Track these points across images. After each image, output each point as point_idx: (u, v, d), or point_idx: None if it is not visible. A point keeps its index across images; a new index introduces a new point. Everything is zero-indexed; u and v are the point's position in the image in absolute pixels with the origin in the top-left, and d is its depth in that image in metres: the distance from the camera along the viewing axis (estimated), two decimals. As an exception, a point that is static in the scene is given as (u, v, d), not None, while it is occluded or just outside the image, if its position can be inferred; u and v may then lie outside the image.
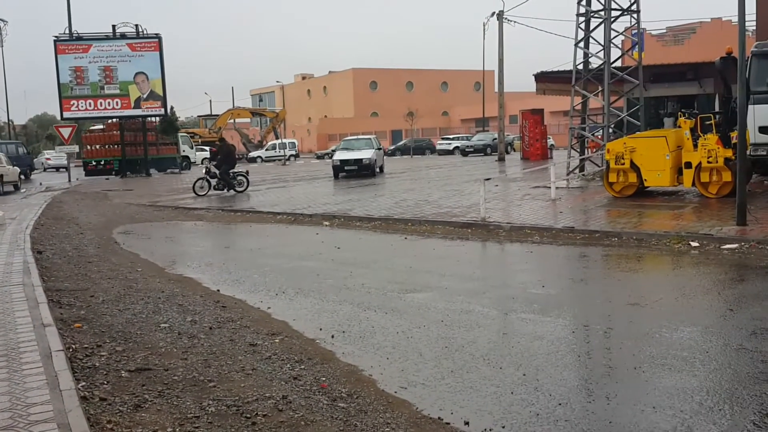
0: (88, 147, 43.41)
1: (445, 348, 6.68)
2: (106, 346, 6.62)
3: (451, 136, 67.75)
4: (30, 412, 4.60)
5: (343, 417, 4.99)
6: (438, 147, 62.40)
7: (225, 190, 25.84)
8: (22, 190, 30.99)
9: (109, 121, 43.76)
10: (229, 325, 7.67)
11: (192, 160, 50.24)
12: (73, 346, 6.43)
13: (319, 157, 68.12)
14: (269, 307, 8.62)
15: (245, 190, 26.03)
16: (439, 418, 5.03)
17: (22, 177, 34.55)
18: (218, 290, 9.74)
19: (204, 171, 26.61)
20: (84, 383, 5.40)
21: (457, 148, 59.09)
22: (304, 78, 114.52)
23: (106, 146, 42.79)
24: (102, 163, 42.47)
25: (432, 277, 10.22)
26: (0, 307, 7.79)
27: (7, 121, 65.65)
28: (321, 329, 7.46)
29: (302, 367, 6.17)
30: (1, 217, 16.91)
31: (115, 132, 42.78)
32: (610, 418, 4.93)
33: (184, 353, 6.53)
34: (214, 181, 25.93)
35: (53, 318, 7.24)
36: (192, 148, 52.08)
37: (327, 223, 16.93)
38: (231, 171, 26.19)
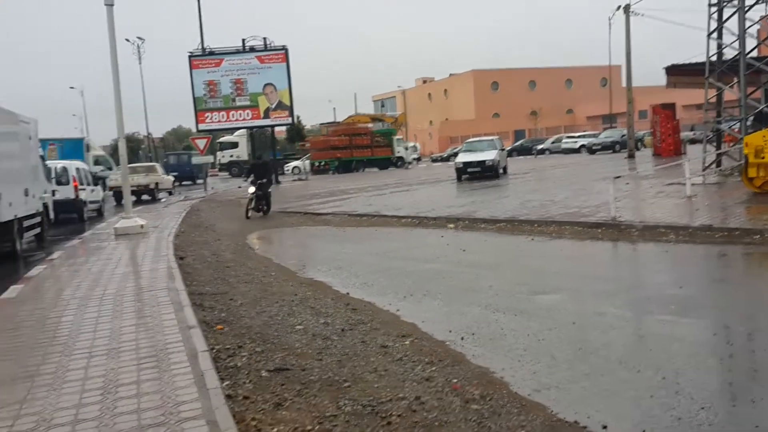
0: (312, 151, 53.84)
1: (578, 350, 6.53)
2: (246, 347, 6.92)
3: (576, 134, 66.02)
4: (180, 410, 4.89)
5: (477, 419, 4.99)
6: (563, 146, 60.96)
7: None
8: (162, 200, 32.90)
9: (331, 128, 54.53)
10: (361, 327, 7.84)
11: (406, 160, 55.46)
12: (216, 347, 6.77)
13: (434, 161, 68.22)
14: (398, 310, 8.73)
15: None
16: (575, 421, 4.93)
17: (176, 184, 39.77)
18: (348, 293, 9.96)
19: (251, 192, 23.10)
20: (228, 382, 5.67)
21: (583, 146, 57.52)
22: (425, 82, 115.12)
23: (327, 150, 52.70)
24: (323, 163, 52.86)
25: (561, 278, 10.02)
26: (149, 310, 8.32)
27: (146, 134, 69.85)
28: (450, 331, 7.48)
29: (433, 368, 6.21)
30: (145, 226, 18.02)
31: (334, 138, 52.87)
32: (757, 422, 4.66)
33: (318, 354, 6.73)
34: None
35: (197, 320, 7.64)
36: (407, 149, 56.44)
37: (451, 225, 16.93)
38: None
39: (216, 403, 4.95)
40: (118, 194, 29.81)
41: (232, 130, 51.17)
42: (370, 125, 56.54)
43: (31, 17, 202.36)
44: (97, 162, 38.32)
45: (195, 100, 41.04)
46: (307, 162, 53.58)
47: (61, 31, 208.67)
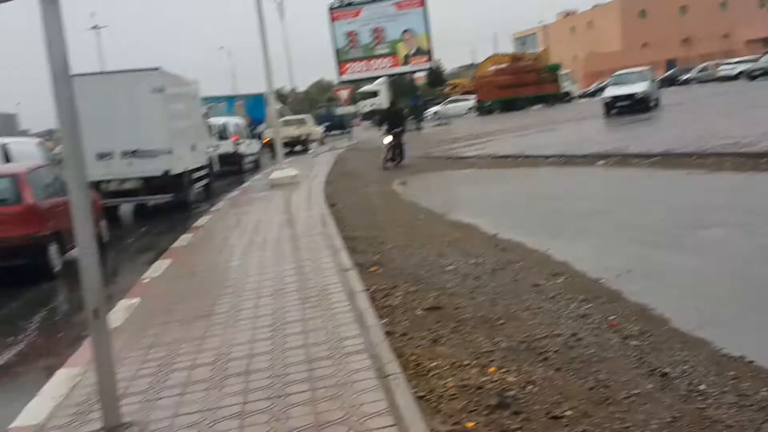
0: (478, 92, 53.04)
1: (745, 286, 6.22)
2: (400, 287, 7.12)
3: (734, 60, 61.18)
4: (344, 345, 5.16)
5: (637, 354, 4.91)
6: (720, 73, 56.75)
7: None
8: (310, 152, 33.99)
9: (496, 68, 53.21)
10: (511, 266, 7.83)
11: (573, 95, 54.78)
12: (372, 288, 7.01)
13: (580, 97, 65.41)
14: (549, 249, 8.62)
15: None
16: (741, 356, 4.73)
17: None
18: (496, 234, 9.94)
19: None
20: (385, 320, 5.89)
21: (741, 72, 53.26)
22: (567, 15, 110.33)
23: (493, 89, 51.17)
24: (489, 104, 51.39)
25: (725, 212, 9.48)
26: (309, 254, 8.74)
27: (291, 88, 72.06)
28: (605, 269, 7.31)
29: (589, 305, 6.13)
30: (298, 176, 18.76)
31: (499, 77, 51.27)
32: None
33: (471, 293, 6.82)
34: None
35: (352, 263, 7.95)
36: (574, 83, 55.87)
37: (601, 162, 16.37)
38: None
39: (376, 339, 5.17)
40: (270, 146, 31.30)
41: (372, 80, 51.60)
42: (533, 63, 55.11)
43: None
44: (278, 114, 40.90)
45: (336, 51, 41.71)
46: (449, 106, 53.23)
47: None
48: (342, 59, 41.79)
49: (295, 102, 70.73)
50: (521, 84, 50.75)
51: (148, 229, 14.53)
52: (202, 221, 13.25)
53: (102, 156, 15.32)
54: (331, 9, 41.58)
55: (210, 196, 18.92)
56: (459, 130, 36.01)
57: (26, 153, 16.19)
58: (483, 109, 51.82)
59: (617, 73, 34.51)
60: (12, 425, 4.45)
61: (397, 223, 11.43)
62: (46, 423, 4.37)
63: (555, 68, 55.08)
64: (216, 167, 21.45)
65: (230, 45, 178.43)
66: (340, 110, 40.07)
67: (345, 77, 42.40)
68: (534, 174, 16.70)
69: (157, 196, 16.19)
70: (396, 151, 21.84)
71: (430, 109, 55.44)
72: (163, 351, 5.50)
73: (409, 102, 45.41)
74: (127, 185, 15.75)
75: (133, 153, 15.58)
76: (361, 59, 41.68)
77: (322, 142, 38.18)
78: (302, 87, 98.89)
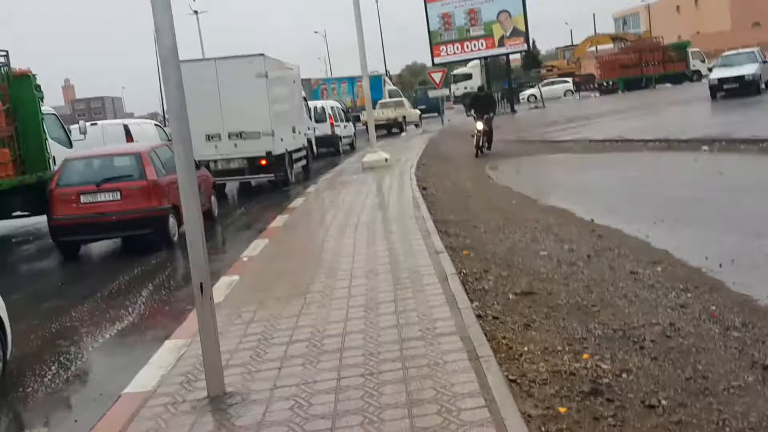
0: (599, 71, 52.36)
1: None
2: (492, 271, 7.12)
3: None
4: (435, 326, 5.22)
5: (738, 346, 4.75)
6: None
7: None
8: (402, 135, 34.09)
9: (621, 46, 53.42)
10: (607, 253, 7.69)
11: (703, 74, 51.42)
12: (464, 271, 7.04)
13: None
14: (647, 236, 8.41)
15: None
16: None
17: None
18: (592, 220, 9.75)
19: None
20: (477, 303, 5.91)
21: None
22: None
23: (615, 69, 50.45)
24: (611, 83, 50.48)
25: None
26: (400, 237, 8.84)
27: (385, 71, 72.27)
28: (707, 258, 7.08)
29: (689, 295, 5.97)
30: (389, 159, 18.89)
31: (622, 55, 51.39)
32: None
33: (565, 279, 6.75)
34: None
35: (444, 246, 7.98)
36: (703, 61, 53.04)
37: (706, 147, 15.72)
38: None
39: (468, 321, 5.20)
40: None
41: (466, 62, 51.08)
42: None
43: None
44: (390, 95, 43.72)
45: (430, 34, 41.50)
46: (544, 89, 52.10)
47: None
48: (436, 42, 41.56)
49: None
50: (646, 63, 49.84)
51: (247, 208, 15.00)
52: (297, 203, 13.57)
53: (210, 137, 16.45)
54: (426, -9, 41.38)
55: (308, 176, 19.81)
56: (555, 114, 35.29)
57: (145, 133, 17.81)
58: (605, 88, 51.06)
59: (725, 54, 32.91)
60: (125, 391, 4.74)
61: (490, 208, 11.38)
62: (155, 390, 4.63)
63: (683, 46, 53.55)
64: (314, 149, 22.40)
65: (322, 28, 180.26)
66: (433, 93, 39.89)
67: (439, 60, 42.14)
68: (633, 159, 16.23)
69: (260, 176, 17.38)
70: (484, 138, 20.61)
71: (524, 92, 54.45)
72: (262, 326, 5.72)
73: (503, 84, 44.78)
74: (233, 165, 16.79)
75: (239, 135, 16.61)
76: (455, 41, 41.31)
77: (418, 125, 38.79)
78: (395, 70, 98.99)
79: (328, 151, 26.31)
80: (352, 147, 29.10)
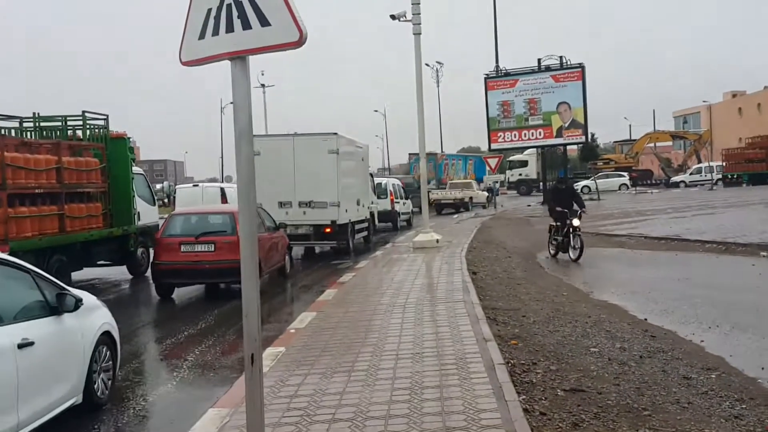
0: (725, 163, 54.94)
1: None
2: (540, 364, 7.00)
3: None
4: (480, 417, 5.12)
5: (797, 467, 4.55)
6: None
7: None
8: (455, 216, 34.19)
9: (750, 139, 54.97)
10: (660, 355, 7.50)
11: None
12: (512, 361, 6.94)
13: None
14: (702, 341, 8.20)
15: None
16: None
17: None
18: (645, 319, 9.57)
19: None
20: (524, 396, 5.80)
21: None
22: (734, 96, 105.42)
23: (741, 162, 53.06)
24: (735, 176, 52.67)
25: None
26: (447, 321, 8.78)
27: (440, 152, 73.04)
28: (763, 368, 6.86)
29: (743, 406, 5.76)
30: (441, 241, 18.92)
31: (749, 150, 53.73)
32: None
33: (615, 379, 6.59)
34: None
35: (492, 334, 7.90)
36: None
37: (765, 253, 15.37)
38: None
39: (515, 415, 5.10)
40: (438, 206, 36.62)
41: (522, 149, 51.41)
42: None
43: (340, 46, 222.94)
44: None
45: (488, 120, 42.04)
46: (600, 181, 51.93)
47: (367, 57, 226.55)
48: (493, 128, 42.03)
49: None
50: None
51: (296, 281, 15.10)
52: (347, 278, 13.62)
53: (282, 204, 17.97)
54: (487, 78, 42.11)
55: (369, 246, 21.08)
56: (610, 207, 35.02)
57: (235, 196, 19.52)
58: (729, 181, 52.86)
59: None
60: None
61: (540, 297, 11.24)
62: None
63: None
64: (376, 222, 23.77)
65: (379, 105, 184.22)
66: (489, 178, 40.27)
67: (495, 146, 42.52)
68: (689, 259, 15.93)
69: (324, 242, 18.94)
70: (568, 239, 16.90)
71: (578, 183, 54.27)
72: (305, 402, 5.70)
73: (558, 174, 44.83)
74: (301, 231, 18.15)
75: (308, 204, 18.18)
76: (513, 129, 41.73)
77: (485, 206, 40.18)
78: (450, 151, 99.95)
79: (385, 226, 27.34)
80: (409, 224, 29.99)
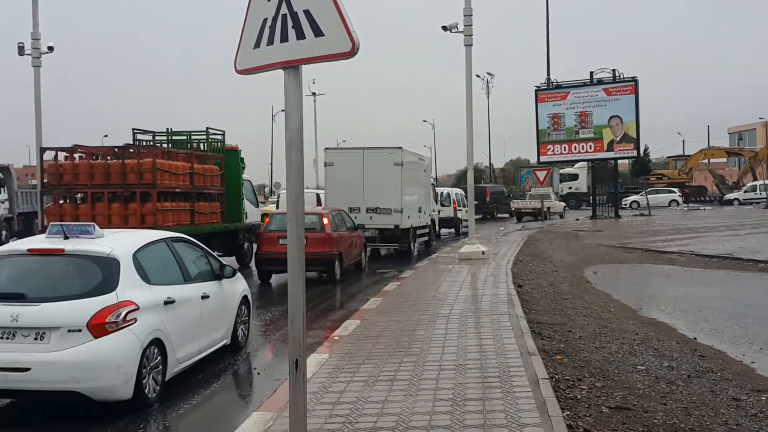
0: None
1: None
2: (585, 380, 6.91)
3: None
4: None
5: None
6: None
7: None
8: (501, 228, 33.96)
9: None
10: (709, 375, 7.35)
11: None
12: (556, 377, 6.87)
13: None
14: (753, 362, 8.02)
15: None
16: None
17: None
18: (695, 338, 9.39)
19: None
20: (568, 412, 5.74)
21: None
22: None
23: None
24: None
25: None
26: (492, 333, 8.73)
27: (488, 164, 72.75)
28: (818, 393, 6.66)
29: (796, 431, 5.61)
30: (486, 253, 18.81)
31: None
32: None
33: (662, 398, 6.47)
34: None
35: (537, 348, 7.83)
36: None
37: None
38: None
39: (558, 431, 5.05)
40: (519, 214, 41.01)
41: (572, 162, 50.76)
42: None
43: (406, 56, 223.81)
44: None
45: (538, 132, 41.71)
46: (650, 196, 50.99)
47: (418, 65, 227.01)
48: (543, 140, 41.67)
49: (489, 179, 71.26)
50: None
51: (342, 288, 15.19)
52: (390, 287, 13.65)
53: (352, 209, 19.60)
54: (538, 90, 41.80)
55: (429, 250, 22.98)
56: (660, 222, 34.35)
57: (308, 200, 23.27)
58: None
59: None
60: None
61: (587, 313, 11.11)
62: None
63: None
64: (437, 228, 25.71)
65: (424, 115, 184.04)
66: (536, 190, 40.02)
67: (545, 158, 42.13)
68: (742, 279, 15.55)
69: (388, 244, 21.13)
70: None
71: (628, 198, 53.43)
72: (348, 409, 5.73)
73: (609, 188, 44.28)
74: (367, 233, 19.72)
75: (375, 209, 20.27)
76: (563, 142, 41.30)
77: (562, 216, 42.96)
78: (498, 164, 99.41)
79: (448, 232, 31.10)
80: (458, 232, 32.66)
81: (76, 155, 14.95)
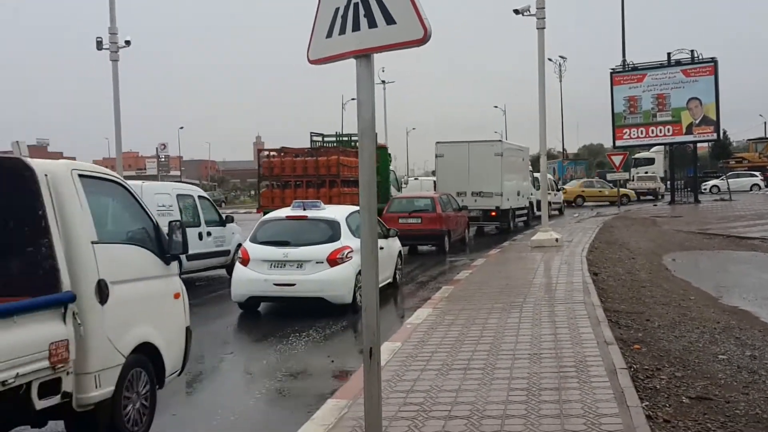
0: None
1: None
2: (665, 370, 6.74)
3: None
4: (601, 422, 4.99)
5: None
6: None
7: None
8: (575, 215, 33.38)
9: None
10: (795, 365, 7.05)
11: None
12: (634, 366, 6.71)
13: None
14: None
15: None
16: None
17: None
18: (781, 327, 9.01)
19: None
20: (647, 403, 5.60)
21: None
22: None
23: None
24: None
25: None
26: (567, 322, 8.59)
27: (561, 150, 71.32)
28: None
29: None
30: (560, 240, 18.50)
31: None
32: None
33: (744, 388, 6.26)
34: None
35: (614, 337, 7.66)
36: None
37: None
38: None
39: (637, 422, 4.94)
40: (637, 194, 44.91)
41: (648, 146, 49.30)
42: None
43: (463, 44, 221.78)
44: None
45: (614, 116, 40.66)
46: (730, 181, 49.16)
47: (491, 52, 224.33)
48: (619, 124, 40.61)
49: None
50: None
51: (415, 276, 15.21)
52: (462, 275, 13.59)
53: (459, 194, 23.14)
54: (613, 73, 40.70)
55: (527, 227, 26.13)
56: (741, 207, 33.07)
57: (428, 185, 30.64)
58: None
59: None
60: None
61: (666, 301, 10.81)
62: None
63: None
64: (534, 210, 28.47)
65: (496, 101, 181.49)
66: (612, 176, 39.02)
67: (621, 143, 41.06)
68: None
69: (490, 223, 24.93)
70: None
71: (707, 182, 51.55)
72: (422, 397, 5.75)
73: (687, 172, 42.86)
74: (472, 214, 23.49)
75: (479, 193, 23.90)
76: (639, 125, 40.13)
77: (662, 195, 45.68)
78: (572, 149, 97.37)
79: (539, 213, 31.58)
80: (560, 212, 35.21)
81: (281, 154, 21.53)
